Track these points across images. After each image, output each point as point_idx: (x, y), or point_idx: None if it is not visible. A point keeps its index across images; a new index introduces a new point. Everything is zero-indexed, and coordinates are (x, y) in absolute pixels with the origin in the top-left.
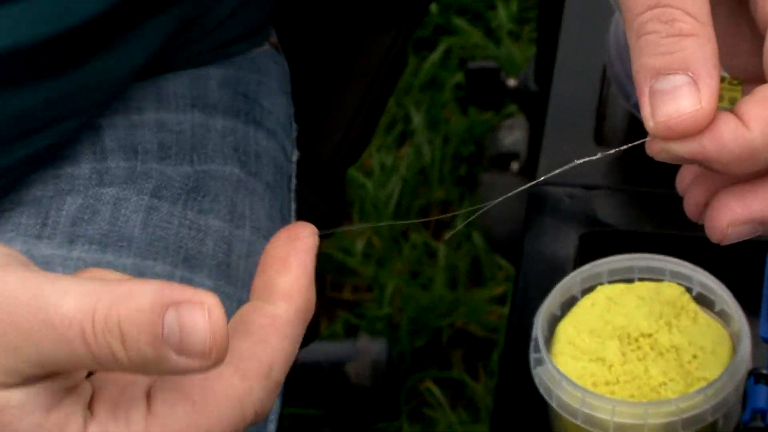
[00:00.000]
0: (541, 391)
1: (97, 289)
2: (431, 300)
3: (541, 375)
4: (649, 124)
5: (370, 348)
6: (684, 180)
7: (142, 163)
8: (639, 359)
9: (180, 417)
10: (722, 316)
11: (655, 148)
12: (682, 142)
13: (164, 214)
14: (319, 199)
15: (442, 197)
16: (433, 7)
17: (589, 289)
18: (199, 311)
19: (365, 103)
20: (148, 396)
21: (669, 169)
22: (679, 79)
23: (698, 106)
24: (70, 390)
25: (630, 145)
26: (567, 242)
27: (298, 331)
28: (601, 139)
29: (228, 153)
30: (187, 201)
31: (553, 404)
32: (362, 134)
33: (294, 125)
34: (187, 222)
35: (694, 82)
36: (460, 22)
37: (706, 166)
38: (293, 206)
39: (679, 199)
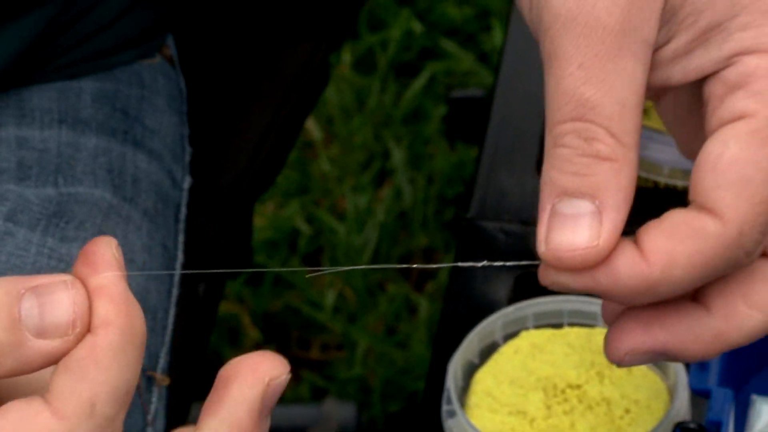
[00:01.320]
0: None
1: None
2: (408, 361)
3: (452, 428)
4: (541, 248)
5: (337, 413)
6: None
7: None
8: (565, 413)
9: None
10: (660, 366)
11: (546, 279)
12: (573, 274)
13: (20, 240)
14: (219, 232)
15: (425, 244)
16: (418, 27)
17: (512, 335)
18: (60, 288)
19: (275, 125)
20: None
21: None
22: (583, 207)
23: (594, 242)
24: None
25: (517, 263)
26: (500, 283)
27: (125, 358)
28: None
29: (100, 175)
30: (48, 227)
31: None
32: (271, 160)
33: (188, 148)
34: (46, 250)
35: (599, 212)
36: (448, 44)
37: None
38: (181, 238)
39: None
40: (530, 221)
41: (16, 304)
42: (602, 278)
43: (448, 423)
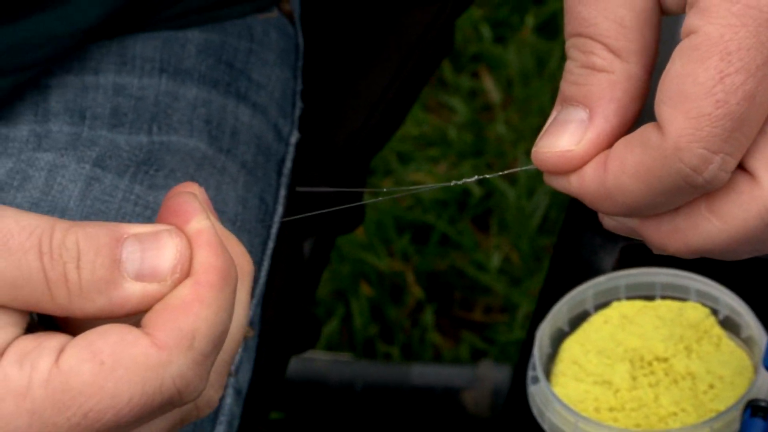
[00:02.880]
0: (534, 412)
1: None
2: None
3: (534, 395)
4: (532, 150)
5: (492, 375)
6: None
7: (89, 129)
8: (650, 385)
9: (85, 376)
10: (748, 343)
11: (544, 177)
12: (554, 176)
13: (107, 186)
14: (331, 187)
15: None
16: None
17: (604, 305)
18: (165, 236)
19: (393, 86)
20: (61, 351)
21: None
22: (575, 114)
23: (571, 147)
24: None
25: (517, 170)
26: (605, 254)
27: (223, 298)
28: None
29: (197, 125)
30: (137, 174)
31: (545, 427)
32: (387, 120)
33: (299, 104)
34: (132, 197)
35: (586, 121)
36: None
37: None
38: (282, 192)
39: None
40: None
41: (118, 246)
42: (573, 181)
43: (532, 389)
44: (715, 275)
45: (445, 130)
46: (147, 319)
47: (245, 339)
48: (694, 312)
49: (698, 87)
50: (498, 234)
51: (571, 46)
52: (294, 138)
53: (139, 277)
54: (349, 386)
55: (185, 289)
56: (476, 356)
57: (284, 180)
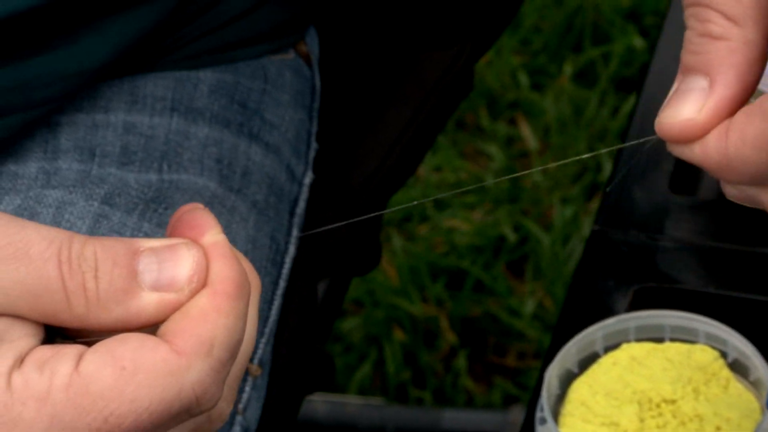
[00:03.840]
0: None
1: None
2: None
3: None
4: (656, 120)
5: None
6: None
7: (98, 167)
8: (658, 427)
9: (106, 380)
10: (756, 385)
11: (668, 146)
12: (679, 145)
13: (115, 223)
14: (347, 229)
15: None
16: (640, 43)
17: (613, 347)
18: (182, 247)
19: (411, 128)
20: (80, 358)
21: (748, 224)
22: (696, 83)
23: (693, 116)
24: (6, 340)
25: (639, 141)
26: (618, 296)
27: (240, 307)
28: (677, 186)
29: (207, 164)
30: (145, 212)
31: None
32: (403, 162)
33: (313, 144)
34: (141, 234)
35: (706, 89)
36: None
37: None
38: (294, 232)
39: (746, 257)
40: (656, 236)
41: (135, 258)
42: (696, 150)
43: (540, 430)
44: (723, 318)
45: (481, 177)
46: (165, 328)
47: (253, 377)
48: (703, 354)
49: None
50: (532, 280)
51: (690, 15)
52: (308, 179)
53: (156, 287)
54: (380, 431)
55: (203, 299)
56: (508, 402)
57: (297, 220)
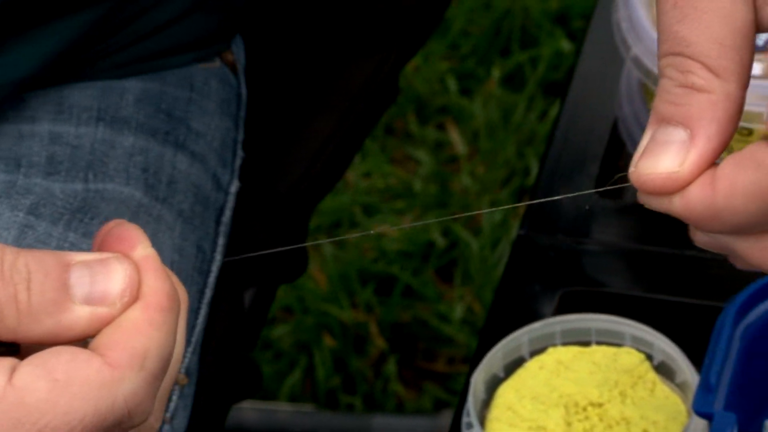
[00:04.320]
0: None
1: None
2: None
3: None
4: (630, 169)
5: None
6: None
7: (24, 177)
8: (585, 431)
9: (40, 393)
10: (683, 388)
11: (639, 197)
12: (654, 197)
13: (40, 233)
14: (270, 236)
15: None
16: (567, 47)
17: (540, 351)
18: (113, 261)
19: (337, 135)
20: (13, 370)
21: (673, 227)
22: (676, 134)
23: (675, 169)
24: None
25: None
26: (544, 300)
27: (171, 321)
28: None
29: (133, 173)
30: (71, 221)
31: None
32: (330, 169)
33: (239, 153)
34: (67, 245)
35: (687, 142)
36: None
37: None
38: (221, 241)
39: (672, 259)
40: (582, 240)
41: (67, 271)
42: (677, 202)
43: None
44: (649, 321)
45: (410, 182)
46: (97, 341)
47: (180, 386)
48: (629, 357)
49: None
50: (461, 285)
51: (668, 65)
52: (234, 187)
53: (88, 301)
54: None
55: (136, 312)
56: (439, 407)
57: (223, 229)
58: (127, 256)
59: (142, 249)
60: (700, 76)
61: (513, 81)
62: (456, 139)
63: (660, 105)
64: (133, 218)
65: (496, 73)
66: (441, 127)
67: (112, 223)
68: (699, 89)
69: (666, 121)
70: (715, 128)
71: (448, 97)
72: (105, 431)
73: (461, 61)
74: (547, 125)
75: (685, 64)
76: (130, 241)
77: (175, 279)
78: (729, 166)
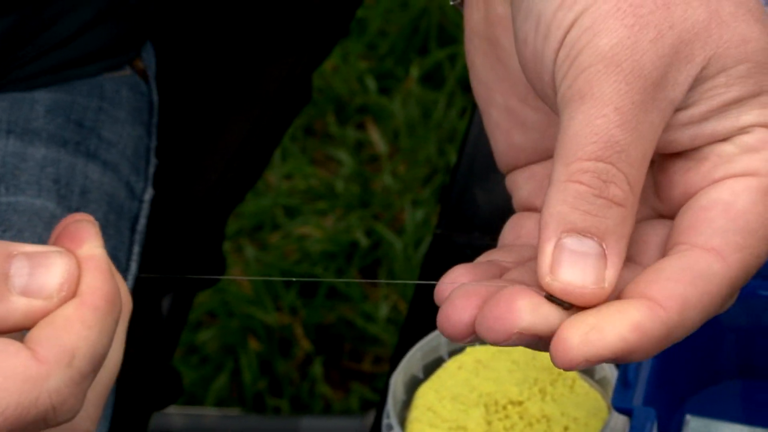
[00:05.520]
0: None
1: None
2: None
3: None
4: (546, 279)
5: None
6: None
7: None
8: (505, 429)
9: None
10: (602, 384)
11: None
12: (598, 336)
13: None
14: (189, 242)
15: None
16: None
17: (458, 351)
18: (54, 255)
19: (250, 140)
20: None
21: None
22: (592, 247)
23: (602, 285)
24: None
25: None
26: None
27: (106, 323)
28: None
29: (45, 185)
30: None
31: None
32: (244, 174)
33: (153, 160)
34: None
35: (604, 256)
36: None
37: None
38: (136, 249)
39: None
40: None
41: (8, 261)
42: (629, 335)
43: None
44: None
45: (332, 182)
46: (30, 334)
47: None
48: (548, 355)
49: (763, 228)
50: (386, 284)
51: (588, 170)
52: (148, 195)
53: (26, 292)
54: None
55: (70, 309)
56: (366, 406)
57: (138, 237)
58: (71, 252)
59: (89, 247)
60: (622, 189)
61: (432, 79)
62: (376, 138)
63: (572, 213)
64: (46, 229)
65: (414, 71)
66: (361, 127)
67: (69, 218)
68: (618, 203)
69: (579, 231)
70: (624, 245)
71: (367, 97)
72: (28, 425)
73: (380, 61)
74: (467, 122)
75: (609, 173)
76: (81, 239)
77: (123, 286)
78: (670, 284)
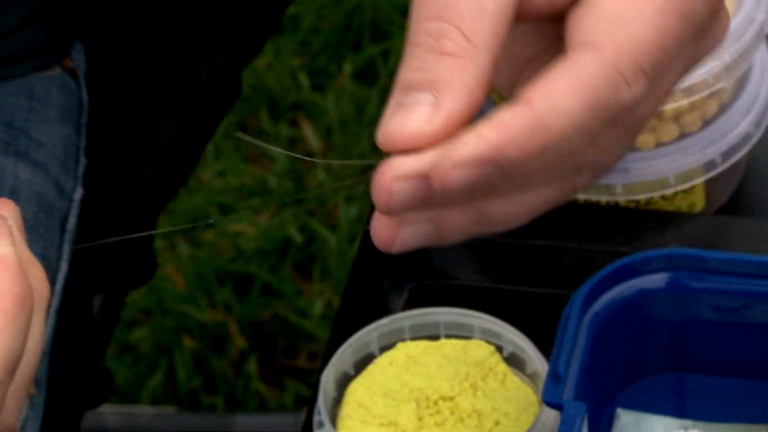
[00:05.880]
0: None
1: None
2: None
3: None
4: (378, 138)
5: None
6: None
7: None
8: (436, 425)
9: None
10: (534, 378)
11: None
12: (463, 153)
13: None
14: (120, 242)
15: None
16: None
17: (389, 346)
18: None
19: (180, 139)
20: None
21: None
22: (421, 98)
23: (427, 125)
24: None
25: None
26: (393, 296)
27: (18, 326)
28: None
29: None
30: None
31: None
32: (175, 173)
33: (82, 159)
34: None
35: (437, 103)
36: None
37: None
38: (66, 248)
39: (519, 249)
40: None
41: None
42: (489, 133)
43: None
44: (500, 312)
45: (265, 179)
46: None
47: (29, 396)
48: (479, 350)
49: (638, 14)
50: (320, 280)
51: (421, 31)
52: (78, 194)
53: None
54: None
55: None
56: (301, 403)
57: (68, 236)
58: None
59: None
60: (452, 40)
61: (365, 75)
62: (310, 135)
63: (405, 73)
64: None
65: (347, 67)
66: (294, 124)
67: None
68: (449, 53)
69: (409, 88)
70: (463, 92)
71: (300, 94)
72: None
73: (313, 57)
74: None
75: (440, 28)
76: None
77: (40, 274)
78: (533, 84)
